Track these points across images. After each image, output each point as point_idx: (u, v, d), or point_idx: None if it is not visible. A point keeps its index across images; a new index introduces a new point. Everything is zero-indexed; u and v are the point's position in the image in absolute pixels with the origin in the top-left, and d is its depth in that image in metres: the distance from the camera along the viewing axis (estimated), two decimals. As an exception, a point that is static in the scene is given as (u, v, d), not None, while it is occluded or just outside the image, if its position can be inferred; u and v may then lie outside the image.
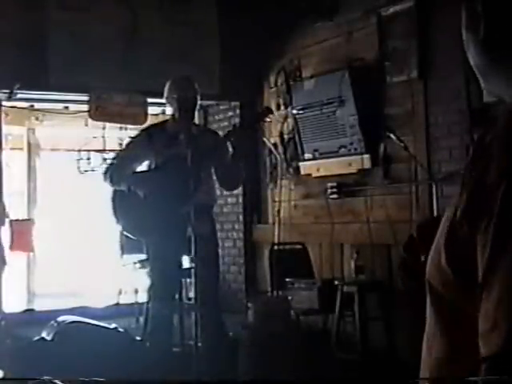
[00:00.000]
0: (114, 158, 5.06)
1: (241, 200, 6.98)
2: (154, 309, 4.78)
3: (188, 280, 4.87)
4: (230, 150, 4.63)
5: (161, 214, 4.52)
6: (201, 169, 4.48)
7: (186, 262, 4.81)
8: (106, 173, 4.76)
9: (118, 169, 4.74)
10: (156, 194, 4.56)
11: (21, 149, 7.33)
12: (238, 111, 6.96)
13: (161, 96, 4.88)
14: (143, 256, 5.24)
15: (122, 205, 4.64)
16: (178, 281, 4.82)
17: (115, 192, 4.68)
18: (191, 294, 4.61)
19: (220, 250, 7.17)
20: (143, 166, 4.83)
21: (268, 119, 5.22)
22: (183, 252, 4.62)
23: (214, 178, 4.88)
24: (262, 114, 5.06)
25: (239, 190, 6.95)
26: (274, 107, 6.66)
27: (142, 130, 5.11)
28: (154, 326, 4.75)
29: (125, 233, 4.86)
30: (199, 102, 4.88)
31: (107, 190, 4.76)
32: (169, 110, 5.00)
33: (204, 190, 4.59)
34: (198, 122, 7.20)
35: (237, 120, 6.98)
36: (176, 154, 4.55)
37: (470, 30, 1.05)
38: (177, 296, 4.87)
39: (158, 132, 4.82)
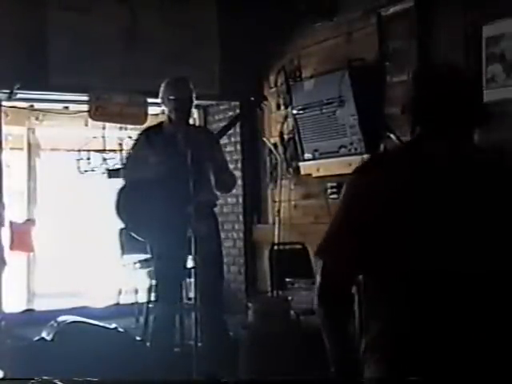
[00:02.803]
0: (124, 164, 5.02)
1: (241, 200, 6.98)
2: (157, 309, 4.77)
3: (188, 280, 4.86)
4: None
5: (163, 213, 4.52)
6: (200, 168, 4.48)
7: (189, 261, 4.80)
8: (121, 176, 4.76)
9: (130, 169, 4.74)
10: (158, 195, 4.56)
11: (21, 149, 7.33)
12: (237, 111, 6.95)
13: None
14: (143, 256, 5.23)
15: (125, 205, 4.64)
16: (182, 281, 4.82)
17: (120, 193, 4.67)
18: (191, 294, 4.62)
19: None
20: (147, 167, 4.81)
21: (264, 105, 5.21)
22: (187, 251, 4.61)
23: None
24: (257, 102, 5.07)
25: (239, 190, 6.95)
26: (274, 107, 6.67)
27: (140, 134, 5.07)
28: (156, 326, 4.74)
29: (131, 233, 4.85)
30: (196, 102, 4.88)
31: (107, 190, 4.76)
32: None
33: (205, 189, 4.59)
34: (198, 122, 7.22)
35: (237, 120, 6.99)
36: (175, 154, 4.55)
37: None
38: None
39: (156, 133, 4.81)
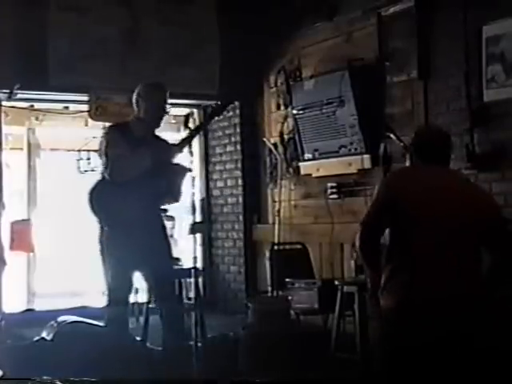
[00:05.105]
0: (106, 159, 4.80)
1: (241, 200, 6.98)
2: (111, 313, 4.78)
3: (188, 280, 4.86)
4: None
5: (124, 213, 4.48)
6: (158, 176, 4.47)
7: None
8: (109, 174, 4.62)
9: (116, 165, 4.62)
10: (120, 195, 4.48)
11: (21, 149, 7.33)
12: (237, 111, 6.95)
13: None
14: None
15: (99, 198, 4.56)
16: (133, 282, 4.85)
17: (94, 188, 4.60)
18: (191, 294, 4.62)
19: (220, 250, 7.23)
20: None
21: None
22: (140, 252, 4.59)
23: None
24: (217, 111, 5.06)
25: (239, 190, 6.96)
26: (274, 107, 6.68)
27: (110, 128, 4.86)
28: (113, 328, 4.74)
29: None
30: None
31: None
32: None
33: (158, 195, 4.59)
34: (197, 122, 7.21)
35: (237, 120, 6.99)
36: (138, 157, 4.48)
37: None
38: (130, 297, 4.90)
39: (126, 132, 4.63)
